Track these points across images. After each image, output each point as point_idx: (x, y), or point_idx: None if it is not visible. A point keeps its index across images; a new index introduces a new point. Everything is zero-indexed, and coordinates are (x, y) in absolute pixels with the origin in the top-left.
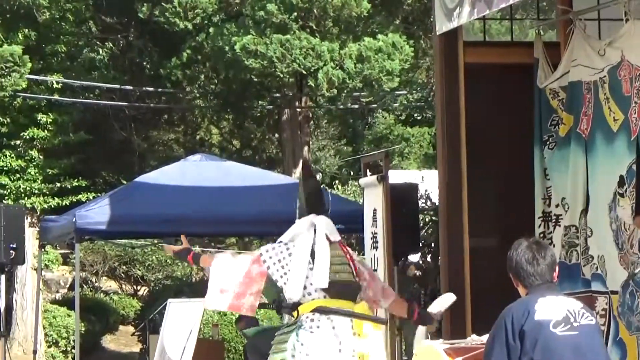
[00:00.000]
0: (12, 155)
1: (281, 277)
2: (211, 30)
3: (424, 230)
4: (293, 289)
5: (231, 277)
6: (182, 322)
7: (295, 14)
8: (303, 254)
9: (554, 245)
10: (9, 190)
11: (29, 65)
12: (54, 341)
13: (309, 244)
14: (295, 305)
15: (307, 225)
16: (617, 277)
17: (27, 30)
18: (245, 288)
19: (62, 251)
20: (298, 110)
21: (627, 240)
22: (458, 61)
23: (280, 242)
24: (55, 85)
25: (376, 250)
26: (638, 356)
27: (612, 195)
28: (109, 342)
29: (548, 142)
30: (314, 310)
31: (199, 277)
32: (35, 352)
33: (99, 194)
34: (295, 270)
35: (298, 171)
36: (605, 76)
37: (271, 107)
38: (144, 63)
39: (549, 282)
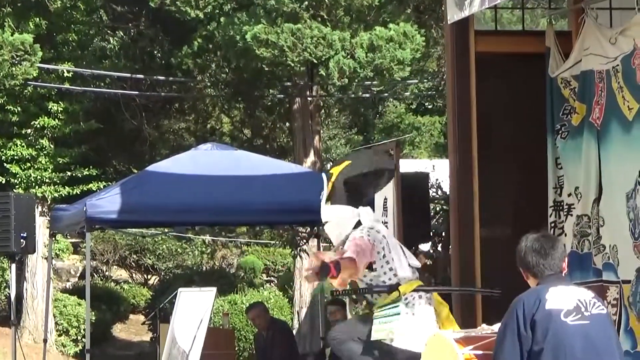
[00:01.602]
0: (23, 144)
1: (384, 258)
2: (222, 19)
3: (434, 220)
4: (405, 268)
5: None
6: (192, 311)
7: (306, 2)
8: (394, 238)
9: (565, 235)
10: (19, 179)
11: (40, 54)
12: (65, 330)
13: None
14: (395, 287)
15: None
16: (630, 266)
17: (38, 19)
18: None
19: (73, 240)
20: (309, 99)
21: None
22: (469, 50)
23: (372, 228)
24: (66, 74)
25: None
26: None
27: (632, 184)
28: (120, 331)
29: (560, 132)
30: (416, 290)
31: (209, 266)
32: (45, 340)
33: (109, 183)
34: (399, 252)
35: (309, 160)
36: (618, 65)
37: (282, 96)
38: (155, 52)
39: (559, 273)
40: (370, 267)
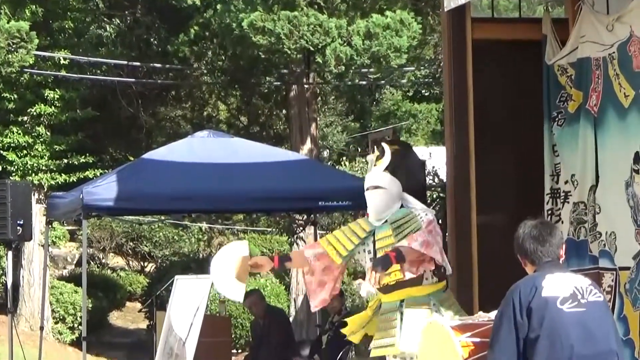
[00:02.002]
0: (19, 131)
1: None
2: (219, 6)
3: (431, 207)
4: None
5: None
6: (189, 298)
7: None
8: None
9: (562, 222)
10: (16, 167)
11: (36, 41)
12: (61, 317)
13: None
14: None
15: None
16: (628, 253)
17: (34, 6)
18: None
19: (70, 227)
20: (306, 86)
21: None
22: (466, 37)
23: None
24: (62, 62)
25: None
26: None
27: (629, 172)
28: (116, 318)
29: (557, 119)
30: None
31: (206, 254)
32: (42, 328)
33: (106, 171)
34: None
35: (306, 147)
36: (614, 52)
37: (279, 83)
38: (152, 39)
39: (556, 260)
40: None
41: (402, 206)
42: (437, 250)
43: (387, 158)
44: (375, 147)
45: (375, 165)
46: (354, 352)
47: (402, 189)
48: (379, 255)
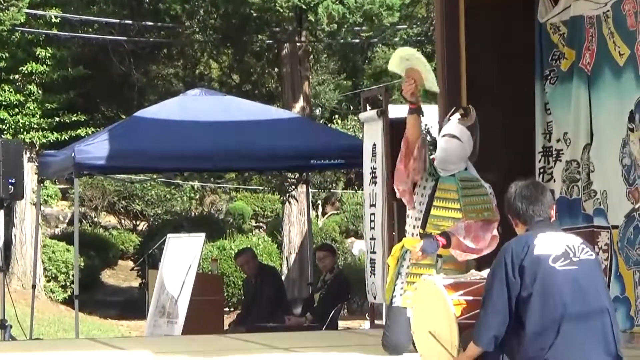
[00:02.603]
0: (11, 89)
1: None
2: None
3: None
4: None
5: None
6: (181, 256)
7: None
8: None
9: (554, 181)
10: (7, 125)
11: None
12: (53, 276)
13: None
14: None
15: None
16: (620, 212)
17: None
18: None
19: (61, 186)
20: (298, 44)
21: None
22: None
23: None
24: (53, 20)
25: (375, 185)
26: (634, 289)
27: (624, 130)
28: (108, 276)
29: (549, 77)
30: None
31: (198, 212)
32: (34, 286)
33: (98, 129)
34: None
35: (298, 105)
36: (608, 10)
37: (271, 41)
38: None
39: (547, 219)
40: None
41: (466, 169)
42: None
43: (472, 118)
44: (462, 109)
45: (459, 119)
46: (346, 310)
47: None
48: (435, 203)
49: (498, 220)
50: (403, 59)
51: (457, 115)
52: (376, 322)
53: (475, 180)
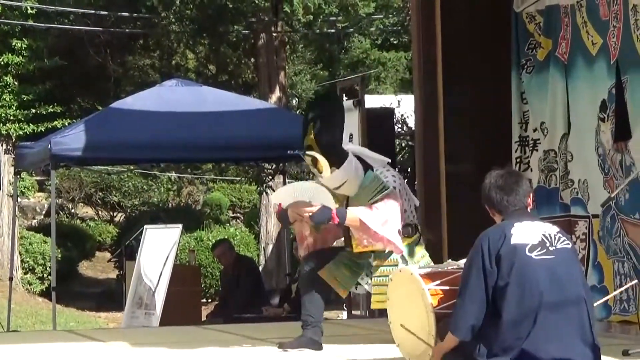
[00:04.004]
0: None
1: (408, 201)
2: None
3: (400, 155)
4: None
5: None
6: (158, 248)
7: None
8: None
9: (531, 170)
10: None
11: None
12: (30, 268)
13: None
14: (416, 225)
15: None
16: (599, 201)
17: None
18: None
19: (38, 178)
20: (274, 35)
21: (612, 165)
22: None
23: (389, 169)
24: (29, 11)
25: None
26: (613, 279)
27: (596, 119)
28: (86, 268)
29: (526, 66)
30: None
31: (175, 203)
32: (11, 278)
33: (74, 120)
34: (410, 192)
35: (274, 96)
36: (582, 0)
37: (247, 32)
38: None
39: (523, 209)
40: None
41: (368, 168)
42: (391, 227)
43: (322, 160)
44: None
45: (320, 174)
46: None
47: (342, 141)
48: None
49: (397, 195)
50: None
51: (316, 173)
52: (353, 312)
53: (374, 181)
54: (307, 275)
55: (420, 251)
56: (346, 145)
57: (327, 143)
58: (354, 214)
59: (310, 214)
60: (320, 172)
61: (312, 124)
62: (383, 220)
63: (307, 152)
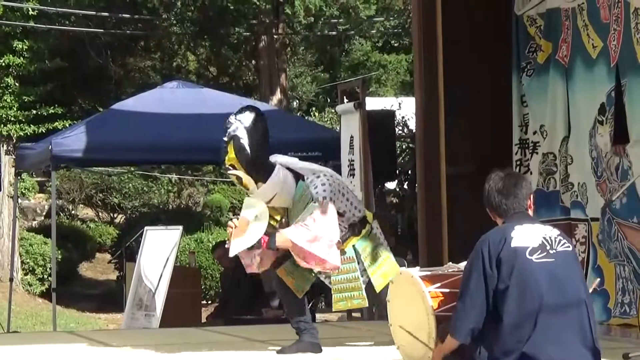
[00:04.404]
0: None
1: (348, 200)
2: None
3: (401, 158)
4: (361, 204)
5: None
6: (158, 249)
7: None
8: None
9: (530, 173)
10: None
11: None
12: (31, 269)
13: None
14: (364, 219)
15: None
16: (597, 204)
17: None
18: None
19: (39, 179)
20: (275, 37)
21: (607, 168)
22: None
23: (319, 175)
24: (31, 12)
25: (353, 177)
26: (615, 282)
27: (592, 122)
28: (86, 269)
29: (526, 69)
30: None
31: (176, 205)
32: (11, 279)
33: (75, 122)
34: (350, 190)
35: (275, 98)
36: (583, 3)
37: (248, 34)
38: None
39: (524, 212)
40: (339, 213)
41: (299, 178)
42: (323, 243)
43: (246, 177)
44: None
45: (248, 191)
46: (323, 303)
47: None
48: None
49: (327, 206)
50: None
51: (246, 190)
52: (353, 314)
53: (304, 194)
54: (277, 281)
55: (370, 246)
56: (273, 158)
57: (248, 160)
58: (285, 235)
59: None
60: (248, 189)
61: (231, 142)
62: (312, 237)
63: (230, 172)
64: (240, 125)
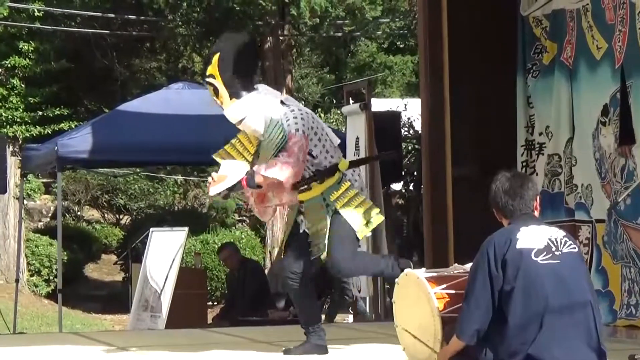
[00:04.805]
0: None
1: (320, 142)
2: None
3: (406, 159)
4: (337, 152)
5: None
6: (164, 250)
7: None
8: (316, 118)
9: (537, 174)
10: None
11: None
12: (37, 270)
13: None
14: (335, 167)
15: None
16: (601, 206)
17: None
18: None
19: (45, 180)
20: (280, 38)
21: (610, 169)
22: None
23: (294, 111)
24: (36, 13)
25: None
26: (621, 284)
27: (595, 123)
28: (92, 271)
29: (532, 70)
30: (350, 166)
31: (181, 206)
32: (17, 281)
33: (80, 123)
34: (327, 134)
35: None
36: (588, 4)
37: (254, 35)
38: None
39: (530, 213)
40: (311, 154)
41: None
42: (289, 169)
43: (222, 90)
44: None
45: (220, 103)
46: (328, 304)
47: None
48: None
49: (300, 139)
50: None
51: (216, 102)
52: (359, 315)
53: (276, 126)
54: (288, 281)
55: (346, 193)
56: (264, 88)
57: (229, 74)
58: (257, 172)
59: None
60: (221, 103)
61: (218, 55)
62: (280, 165)
63: (208, 80)
64: (229, 43)
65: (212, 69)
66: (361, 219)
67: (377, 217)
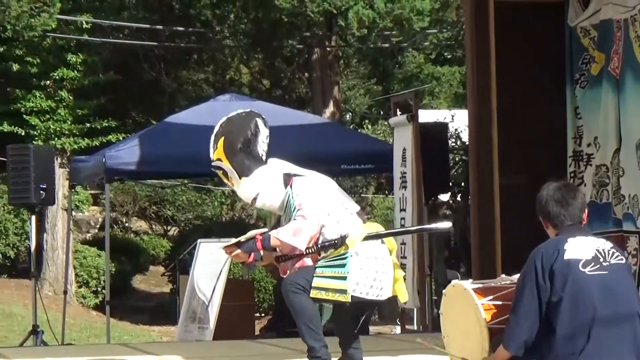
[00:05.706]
0: (42, 95)
1: (333, 209)
2: None
3: (454, 170)
4: (352, 217)
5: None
6: (212, 262)
7: None
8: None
9: (584, 185)
10: (39, 131)
11: (59, 5)
12: (85, 281)
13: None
14: (341, 241)
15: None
16: None
17: None
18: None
19: (93, 192)
20: (328, 49)
21: None
22: (488, 0)
23: (305, 180)
24: (84, 26)
25: (405, 189)
26: None
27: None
28: (139, 282)
29: (580, 81)
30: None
31: (229, 217)
32: (65, 292)
33: (128, 135)
34: (342, 198)
35: (328, 111)
36: (636, 14)
37: (301, 46)
38: (173, 2)
39: (578, 223)
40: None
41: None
42: (304, 237)
43: (231, 172)
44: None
45: (233, 186)
46: (377, 315)
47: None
48: None
49: (302, 209)
50: None
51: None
52: (407, 327)
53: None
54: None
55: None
56: (274, 162)
57: (235, 154)
58: (272, 235)
59: (235, 251)
60: (233, 185)
61: (222, 138)
62: (292, 230)
63: (214, 164)
64: (230, 125)
65: (219, 153)
66: (326, 282)
67: (340, 296)
